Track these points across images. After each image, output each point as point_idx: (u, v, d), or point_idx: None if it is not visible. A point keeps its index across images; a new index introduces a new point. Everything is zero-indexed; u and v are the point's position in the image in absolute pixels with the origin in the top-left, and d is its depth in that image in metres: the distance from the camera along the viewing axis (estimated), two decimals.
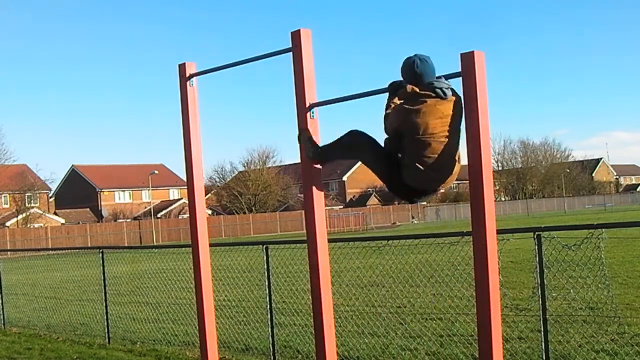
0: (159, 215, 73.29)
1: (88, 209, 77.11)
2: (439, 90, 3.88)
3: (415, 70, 3.95)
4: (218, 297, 10.48)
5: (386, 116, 4.18)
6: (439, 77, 3.97)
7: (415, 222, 73.53)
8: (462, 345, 7.63)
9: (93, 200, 78.55)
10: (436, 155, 3.91)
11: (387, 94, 4.31)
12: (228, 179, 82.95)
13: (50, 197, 76.04)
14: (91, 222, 67.19)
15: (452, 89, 3.97)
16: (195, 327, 7.04)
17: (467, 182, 3.90)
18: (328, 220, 39.36)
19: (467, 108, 3.86)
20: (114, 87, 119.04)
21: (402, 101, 4.04)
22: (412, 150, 3.96)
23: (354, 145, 4.39)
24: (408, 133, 3.94)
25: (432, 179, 4.03)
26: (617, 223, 5.92)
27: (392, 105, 4.18)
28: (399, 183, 4.14)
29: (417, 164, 3.95)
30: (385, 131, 4.20)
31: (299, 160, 4.69)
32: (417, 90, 3.91)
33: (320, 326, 4.50)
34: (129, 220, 69.84)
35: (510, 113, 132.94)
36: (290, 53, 4.60)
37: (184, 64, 5.35)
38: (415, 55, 3.99)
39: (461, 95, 3.91)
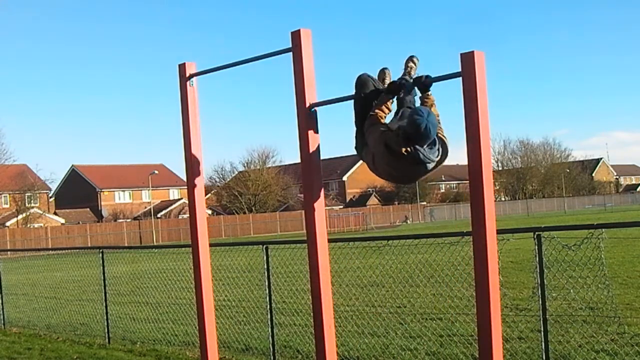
0: (159, 215, 73.29)
1: (88, 209, 77.11)
2: (424, 161, 3.93)
3: (420, 132, 3.83)
4: (218, 297, 10.48)
5: (371, 117, 4.23)
6: (433, 145, 3.95)
7: (408, 222, 73.22)
8: (462, 345, 7.63)
9: (93, 200, 78.55)
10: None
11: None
12: (228, 179, 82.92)
13: (50, 197, 76.04)
14: (91, 222, 67.19)
15: (439, 160, 4.05)
16: (195, 327, 7.04)
17: (467, 182, 3.90)
18: (328, 220, 39.37)
19: (467, 108, 3.86)
20: (114, 87, 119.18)
21: (387, 135, 4.07)
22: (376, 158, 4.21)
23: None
24: (375, 161, 4.22)
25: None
26: (617, 223, 5.92)
27: (382, 108, 4.23)
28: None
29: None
30: (364, 128, 4.29)
31: (299, 160, 4.69)
32: (404, 152, 3.94)
33: (320, 326, 4.50)
34: (129, 220, 69.84)
35: (510, 113, 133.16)
36: (290, 53, 4.60)
37: (184, 64, 5.35)
38: (429, 117, 3.83)
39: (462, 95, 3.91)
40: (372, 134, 4.20)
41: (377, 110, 4.24)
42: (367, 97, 4.41)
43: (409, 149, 3.89)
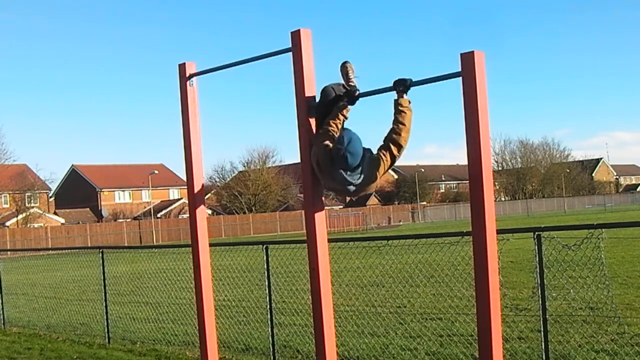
0: (159, 215, 73.27)
1: (88, 209, 77.09)
2: (342, 183, 4.24)
3: (340, 158, 4.14)
4: (218, 297, 10.47)
5: (324, 126, 4.44)
6: (353, 170, 4.18)
7: (399, 223, 72.33)
8: (462, 345, 7.63)
9: (93, 200, 78.52)
10: None
11: (386, 94, 4.34)
12: (228, 179, 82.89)
13: (50, 197, 76.01)
14: (91, 222, 67.17)
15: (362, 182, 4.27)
16: (195, 327, 7.04)
17: (467, 182, 3.90)
18: (328, 220, 39.31)
19: (467, 108, 3.86)
20: (114, 87, 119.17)
21: (320, 152, 4.33)
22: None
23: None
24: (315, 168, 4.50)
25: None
26: (617, 223, 5.91)
27: (339, 116, 4.46)
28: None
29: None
30: (315, 134, 4.50)
31: (299, 160, 4.69)
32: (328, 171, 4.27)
33: (320, 326, 4.50)
34: (129, 220, 69.83)
35: (510, 113, 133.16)
36: (290, 53, 4.60)
37: (184, 64, 5.35)
38: (348, 145, 4.09)
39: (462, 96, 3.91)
40: (316, 144, 4.42)
41: (330, 122, 4.41)
42: (326, 105, 4.53)
43: (332, 170, 4.20)
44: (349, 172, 4.17)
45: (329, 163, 4.23)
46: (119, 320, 11.00)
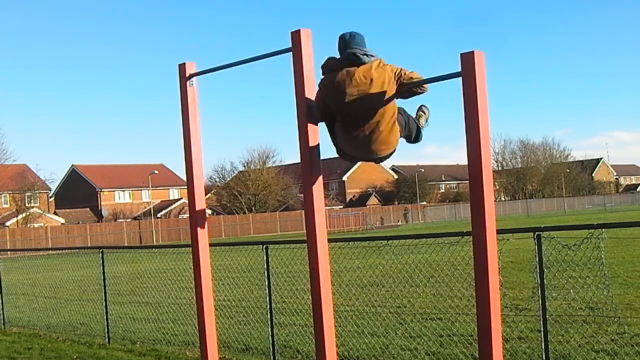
0: (158, 215, 73.26)
1: (88, 209, 77.09)
2: (355, 53, 4.45)
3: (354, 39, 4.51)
4: (218, 297, 10.47)
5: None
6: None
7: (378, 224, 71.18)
8: (462, 345, 7.63)
9: (93, 200, 78.52)
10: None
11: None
12: (228, 179, 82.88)
13: (50, 197, 76.00)
14: (91, 222, 67.16)
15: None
16: (195, 327, 7.04)
17: (467, 182, 3.90)
18: (328, 220, 39.31)
19: (467, 108, 3.86)
20: (114, 87, 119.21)
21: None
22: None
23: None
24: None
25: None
26: (617, 223, 5.90)
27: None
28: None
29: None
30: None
31: (299, 160, 4.69)
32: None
33: (320, 326, 4.50)
34: (129, 220, 69.81)
35: (510, 113, 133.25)
36: (290, 53, 4.59)
37: (184, 64, 5.34)
38: (350, 34, 4.47)
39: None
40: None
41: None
42: None
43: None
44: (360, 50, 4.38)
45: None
46: (119, 320, 11.00)
